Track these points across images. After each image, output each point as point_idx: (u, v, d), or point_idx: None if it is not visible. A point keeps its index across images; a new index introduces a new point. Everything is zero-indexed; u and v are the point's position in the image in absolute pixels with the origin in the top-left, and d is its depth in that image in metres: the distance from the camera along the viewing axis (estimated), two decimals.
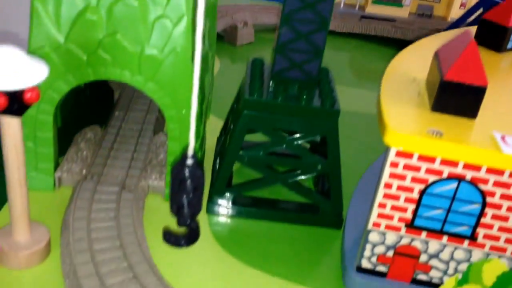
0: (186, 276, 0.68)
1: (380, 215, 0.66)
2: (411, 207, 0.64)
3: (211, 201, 0.80)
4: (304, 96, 0.74)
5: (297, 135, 0.77)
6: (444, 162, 0.61)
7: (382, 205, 0.65)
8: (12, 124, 0.57)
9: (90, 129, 0.89)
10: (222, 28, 1.43)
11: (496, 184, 0.61)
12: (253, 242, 0.77)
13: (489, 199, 0.62)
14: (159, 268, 0.65)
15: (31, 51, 0.69)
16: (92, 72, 0.72)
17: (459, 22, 1.55)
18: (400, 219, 0.65)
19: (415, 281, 0.69)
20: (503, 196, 0.62)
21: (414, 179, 0.62)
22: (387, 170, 0.63)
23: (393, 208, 0.65)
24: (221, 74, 1.26)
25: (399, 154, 0.61)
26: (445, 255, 0.67)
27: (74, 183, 0.78)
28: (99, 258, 0.63)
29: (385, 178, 0.63)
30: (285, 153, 0.82)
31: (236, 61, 1.39)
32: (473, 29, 0.92)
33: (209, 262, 0.72)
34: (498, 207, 0.63)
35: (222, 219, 0.80)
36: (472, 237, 0.65)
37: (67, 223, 0.68)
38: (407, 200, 0.64)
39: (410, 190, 0.63)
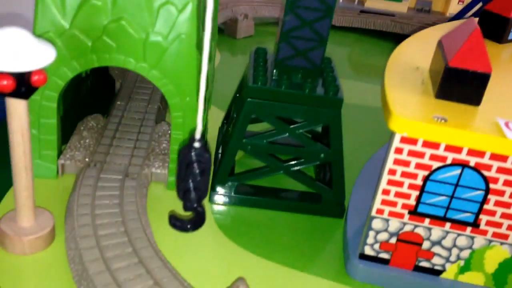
0: (190, 262, 0.68)
1: (384, 202, 0.66)
2: (414, 193, 0.65)
3: (214, 190, 0.80)
4: (308, 84, 0.74)
5: (300, 124, 0.77)
6: (448, 148, 0.61)
7: (386, 192, 0.65)
8: (19, 107, 0.57)
9: (93, 118, 0.89)
10: (222, 21, 1.44)
11: (500, 170, 0.61)
12: (255, 231, 0.77)
13: (492, 186, 0.63)
14: (163, 254, 0.66)
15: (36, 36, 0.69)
16: (96, 58, 0.72)
17: (457, 17, 1.56)
18: (404, 206, 0.66)
19: (417, 268, 0.70)
20: (506, 182, 0.62)
21: (418, 165, 0.63)
22: (392, 156, 0.63)
23: (397, 194, 0.65)
24: (221, 67, 1.26)
25: (403, 140, 0.62)
26: (447, 242, 0.67)
27: (77, 170, 0.78)
28: (104, 243, 0.63)
29: (389, 164, 0.63)
30: (287, 142, 0.82)
31: (236, 54, 1.40)
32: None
33: (213, 249, 0.72)
34: (501, 193, 0.63)
35: (225, 208, 0.80)
36: (475, 224, 0.65)
37: (71, 210, 0.68)
38: (411, 186, 0.64)
39: (414, 176, 0.64)
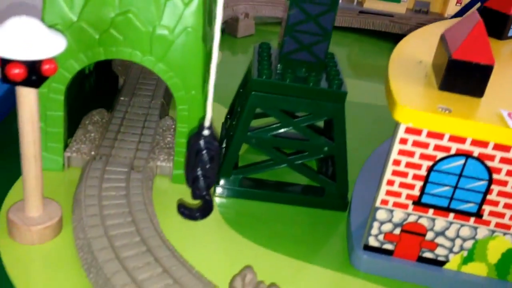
0: (196, 253, 0.69)
1: (388, 193, 0.67)
2: (418, 184, 0.66)
3: (218, 183, 0.81)
4: (312, 78, 0.75)
5: (304, 117, 0.78)
6: (452, 138, 0.62)
7: (390, 182, 0.66)
8: (30, 96, 0.58)
9: (97, 112, 0.89)
10: (223, 20, 1.44)
11: (503, 160, 0.62)
12: (259, 223, 0.78)
13: (495, 176, 0.63)
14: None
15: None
16: (103, 51, 0.73)
17: (456, 17, 1.57)
18: (408, 197, 0.67)
19: (421, 259, 0.70)
20: (509, 173, 0.63)
21: (422, 156, 0.64)
22: (396, 146, 0.64)
23: (401, 185, 0.66)
24: (222, 65, 1.27)
25: (408, 130, 0.62)
26: (451, 232, 0.68)
27: (83, 163, 0.79)
28: (112, 233, 0.64)
29: (393, 155, 0.64)
30: (290, 136, 0.83)
31: (237, 53, 1.40)
32: None
33: (218, 240, 0.73)
34: (504, 183, 0.64)
35: (229, 201, 0.81)
36: (478, 214, 0.66)
37: (79, 201, 0.69)
38: (415, 177, 0.65)
39: (418, 167, 0.65)
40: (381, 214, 0.68)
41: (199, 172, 0.56)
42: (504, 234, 0.67)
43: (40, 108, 0.73)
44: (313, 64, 0.78)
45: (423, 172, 0.65)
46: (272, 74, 0.76)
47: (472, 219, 0.67)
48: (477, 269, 0.70)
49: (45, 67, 0.56)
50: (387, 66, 0.71)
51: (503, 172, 0.63)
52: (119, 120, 0.89)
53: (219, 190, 0.81)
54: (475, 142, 0.62)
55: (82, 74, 0.83)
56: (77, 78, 0.78)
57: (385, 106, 0.65)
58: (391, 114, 0.62)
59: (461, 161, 0.63)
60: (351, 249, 0.73)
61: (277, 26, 1.55)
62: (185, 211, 0.59)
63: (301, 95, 0.76)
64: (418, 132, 0.62)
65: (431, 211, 0.67)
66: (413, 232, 0.69)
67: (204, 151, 0.54)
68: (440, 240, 0.69)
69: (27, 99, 0.58)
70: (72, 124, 0.84)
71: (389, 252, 0.71)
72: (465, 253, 0.69)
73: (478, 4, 1.51)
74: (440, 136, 0.62)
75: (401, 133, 0.63)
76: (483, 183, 0.64)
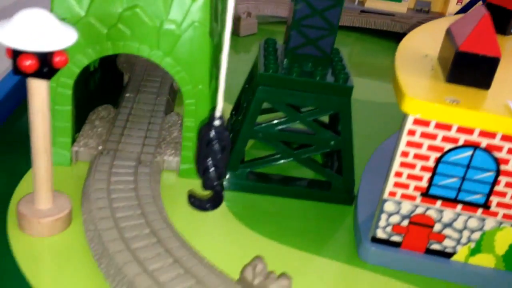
0: (205, 245, 0.69)
1: (396, 184, 0.67)
2: (426, 175, 0.66)
3: (225, 177, 0.81)
4: (318, 72, 0.76)
5: (310, 111, 0.79)
6: (461, 129, 0.62)
7: (398, 174, 0.67)
8: (41, 88, 0.58)
9: (103, 108, 0.90)
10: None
11: (510, 151, 0.63)
12: (266, 216, 0.78)
13: (503, 167, 0.64)
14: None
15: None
16: (111, 46, 0.73)
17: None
18: (416, 188, 0.67)
19: (429, 250, 0.71)
20: None
21: (430, 147, 0.64)
22: (404, 138, 0.64)
23: (409, 177, 0.66)
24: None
25: (416, 122, 0.63)
26: (458, 224, 0.68)
27: (90, 158, 0.79)
28: (122, 225, 0.64)
29: (402, 146, 0.65)
30: (295, 130, 0.84)
31: (239, 52, 1.41)
32: None
33: (226, 233, 0.73)
34: (511, 174, 0.64)
35: (236, 195, 0.81)
36: (486, 206, 0.67)
37: (88, 194, 0.69)
38: (423, 168, 0.66)
39: (426, 158, 0.65)
40: (389, 206, 0.69)
41: (210, 163, 0.56)
42: None
43: None
44: (319, 58, 0.78)
45: (431, 163, 0.65)
46: (279, 68, 0.76)
47: (480, 210, 0.67)
48: (485, 260, 0.70)
49: (56, 59, 0.56)
50: (394, 60, 0.72)
51: (511, 163, 0.63)
52: (125, 116, 0.89)
53: (225, 184, 0.81)
54: (483, 133, 0.62)
55: (87, 71, 0.83)
56: (83, 75, 0.78)
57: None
58: (399, 106, 0.63)
59: (469, 152, 0.64)
60: (359, 242, 0.73)
61: (279, 25, 1.55)
62: (195, 201, 0.60)
63: (307, 89, 0.76)
64: (426, 123, 0.63)
65: (439, 202, 0.67)
66: (421, 223, 0.69)
67: (215, 141, 0.55)
68: (447, 231, 0.69)
69: (38, 91, 0.58)
70: (78, 121, 0.84)
71: (396, 244, 0.71)
72: (472, 245, 0.69)
73: (480, 3, 1.52)
74: (448, 127, 0.62)
75: (409, 125, 0.63)
76: (491, 174, 0.65)
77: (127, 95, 0.96)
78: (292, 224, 0.77)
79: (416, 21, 1.64)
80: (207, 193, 0.61)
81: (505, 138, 0.62)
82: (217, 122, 0.54)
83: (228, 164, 0.80)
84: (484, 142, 0.63)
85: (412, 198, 0.68)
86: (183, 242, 0.63)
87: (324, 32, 0.76)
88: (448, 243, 0.70)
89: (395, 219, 0.69)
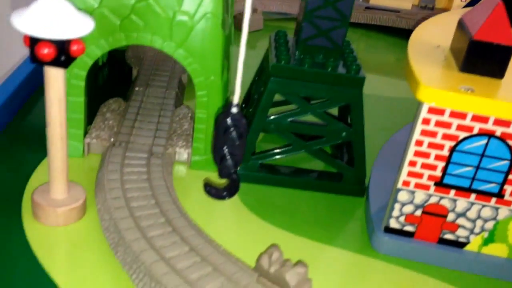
0: (218, 235, 0.69)
1: (410, 174, 0.67)
2: (440, 164, 0.66)
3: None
4: (330, 63, 0.76)
5: (322, 102, 0.79)
6: (475, 118, 0.62)
7: (412, 163, 0.67)
8: (58, 77, 0.58)
9: (114, 101, 0.90)
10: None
11: None
12: (278, 207, 0.78)
13: None
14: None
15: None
16: (124, 37, 0.73)
17: None
18: (430, 177, 0.67)
19: (442, 240, 0.71)
20: None
21: (445, 136, 0.64)
22: (419, 127, 0.64)
23: (423, 166, 0.67)
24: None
25: (431, 110, 0.63)
26: (472, 213, 0.69)
27: (102, 150, 0.79)
28: (137, 214, 0.64)
29: (416, 135, 0.65)
30: (306, 122, 0.84)
31: (246, 48, 1.41)
32: None
33: (239, 223, 0.73)
34: None
35: (248, 187, 0.81)
36: (499, 195, 0.67)
37: (101, 185, 0.69)
38: (437, 157, 0.66)
39: (441, 147, 0.65)
40: (402, 196, 0.69)
41: (226, 150, 0.56)
42: None
43: None
44: (330, 50, 0.79)
45: (445, 152, 0.65)
46: (291, 59, 0.77)
47: (494, 199, 0.67)
48: (498, 250, 0.70)
49: (74, 47, 0.57)
50: (405, 53, 0.72)
51: None
52: (135, 109, 0.89)
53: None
54: (497, 122, 0.62)
55: (96, 66, 0.83)
56: (92, 69, 0.78)
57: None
58: (414, 95, 0.63)
59: (483, 141, 0.64)
60: (372, 232, 0.73)
61: (285, 21, 1.56)
62: (211, 190, 0.60)
63: (319, 80, 0.76)
64: (441, 112, 0.63)
65: (452, 192, 0.67)
66: (434, 213, 0.69)
67: (232, 129, 0.55)
68: (461, 221, 0.69)
69: (55, 79, 0.58)
70: (89, 114, 0.84)
71: (410, 234, 0.71)
72: (485, 234, 0.70)
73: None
74: (463, 115, 0.63)
75: (424, 113, 0.63)
76: (505, 162, 0.65)
77: (137, 88, 0.96)
78: (304, 215, 0.77)
79: (421, 17, 1.64)
80: (222, 181, 0.61)
81: None
82: (234, 110, 0.55)
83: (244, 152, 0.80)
84: (499, 130, 0.63)
85: (426, 187, 0.68)
86: (199, 231, 0.63)
87: (336, 23, 0.76)
88: (461, 233, 0.70)
89: (408, 208, 0.69)
